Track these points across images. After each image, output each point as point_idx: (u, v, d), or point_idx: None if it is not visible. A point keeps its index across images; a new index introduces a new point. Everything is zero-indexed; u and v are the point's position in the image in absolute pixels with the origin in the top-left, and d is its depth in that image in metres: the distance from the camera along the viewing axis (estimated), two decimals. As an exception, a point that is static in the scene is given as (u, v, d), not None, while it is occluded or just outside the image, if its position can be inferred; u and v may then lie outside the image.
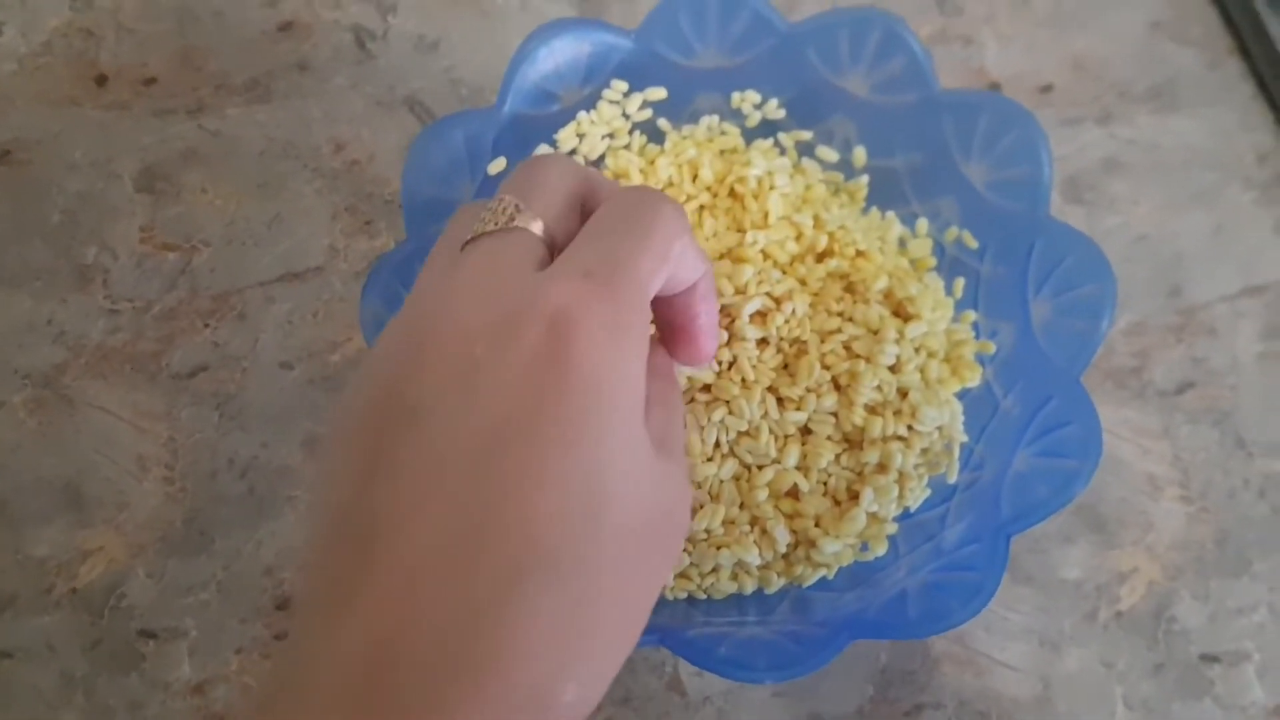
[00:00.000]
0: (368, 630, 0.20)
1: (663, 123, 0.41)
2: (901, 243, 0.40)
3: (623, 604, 0.23)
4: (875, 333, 0.37)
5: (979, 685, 0.39)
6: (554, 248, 0.26)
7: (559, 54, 0.37)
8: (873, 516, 0.36)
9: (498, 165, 0.37)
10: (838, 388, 0.37)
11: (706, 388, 0.37)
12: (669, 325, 0.30)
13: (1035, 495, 0.32)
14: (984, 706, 0.39)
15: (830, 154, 0.41)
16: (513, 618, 0.21)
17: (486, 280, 0.24)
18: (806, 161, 0.41)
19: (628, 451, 0.23)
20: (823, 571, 0.36)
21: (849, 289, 0.38)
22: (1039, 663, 0.39)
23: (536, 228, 0.26)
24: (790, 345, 0.37)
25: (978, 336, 0.39)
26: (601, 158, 0.41)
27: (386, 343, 0.25)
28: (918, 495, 0.37)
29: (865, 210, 0.41)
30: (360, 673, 0.20)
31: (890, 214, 0.41)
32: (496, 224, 0.26)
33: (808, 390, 0.37)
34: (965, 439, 0.37)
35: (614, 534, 0.22)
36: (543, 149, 0.39)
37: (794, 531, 0.36)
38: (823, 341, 0.37)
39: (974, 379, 0.38)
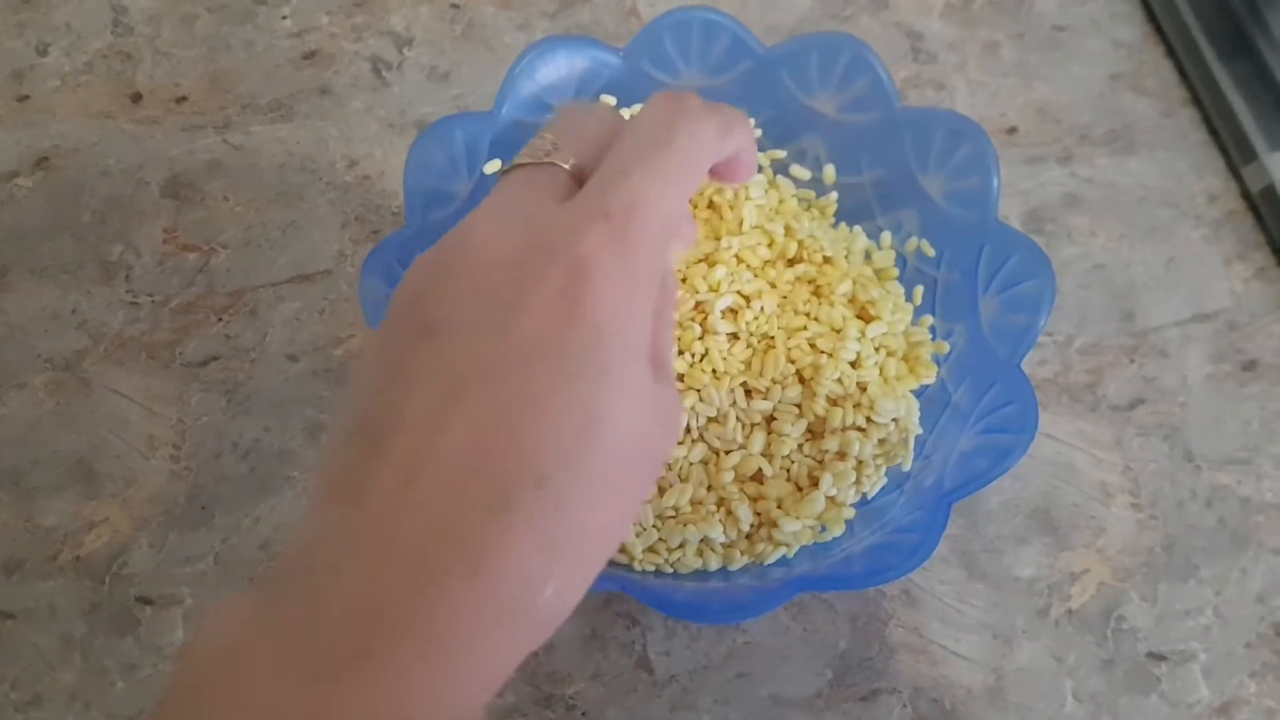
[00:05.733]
0: (370, 521, 0.23)
1: (648, 139, 0.44)
2: (867, 255, 0.43)
3: (605, 517, 0.25)
4: (838, 331, 0.40)
5: (934, 674, 0.40)
6: (582, 182, 0.28)
7: (554, 67, 0.40)
8: (831, 500, 0.39)
9: (492, 166, 0.41)
10: (802, 380, 0.40)
11: (680, 376, 0.40)
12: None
13: (976, 467, 0.34)
14: (938, 694, 0.40)
15: (803, 172, 0.44)
16: (505, 522, 0.23)
17: (513, 209, 0.26)
18: (781, 179, 0.44)
19: (626, 385, 0.25)
20: (783, 550, 0.38)
21: (816, 292, 0.41)
22: (992, 655, 0.41)
23: (567, 163, 0.28)
24: (759, 340, 0.40)
25: (934, 338, 0.41)
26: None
27: (417, 265, 0.27)
28: (875, 483, 0.39)
29: (834, 225, 0.44)
30: (362, 555, 0.22)
31: (857, 228, 0.44)
32: (533, 158, 0.28)
33: (773, 382, 0.39)
34: (920, 431, 0.40)
35: (604, 458, 0.24)
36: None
37: (757, 513, 0.39)
38: (789, 338, 0.40)
39: (929, 377, 0.40)
